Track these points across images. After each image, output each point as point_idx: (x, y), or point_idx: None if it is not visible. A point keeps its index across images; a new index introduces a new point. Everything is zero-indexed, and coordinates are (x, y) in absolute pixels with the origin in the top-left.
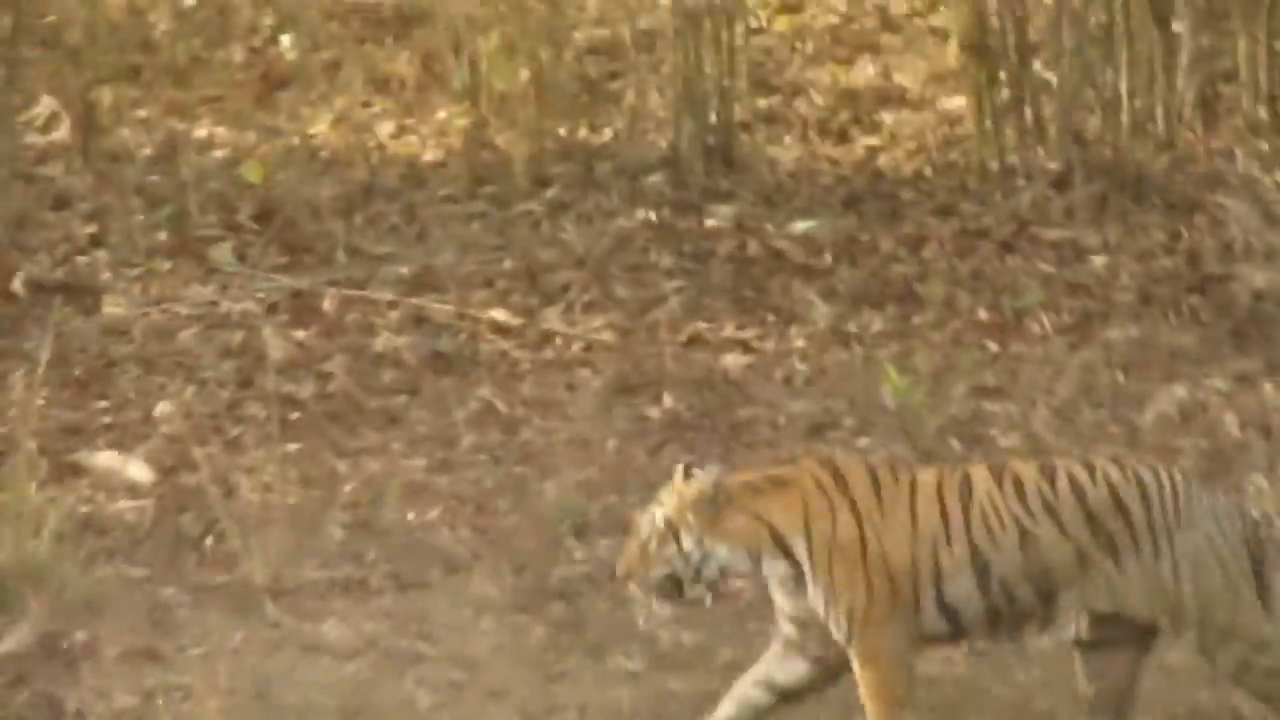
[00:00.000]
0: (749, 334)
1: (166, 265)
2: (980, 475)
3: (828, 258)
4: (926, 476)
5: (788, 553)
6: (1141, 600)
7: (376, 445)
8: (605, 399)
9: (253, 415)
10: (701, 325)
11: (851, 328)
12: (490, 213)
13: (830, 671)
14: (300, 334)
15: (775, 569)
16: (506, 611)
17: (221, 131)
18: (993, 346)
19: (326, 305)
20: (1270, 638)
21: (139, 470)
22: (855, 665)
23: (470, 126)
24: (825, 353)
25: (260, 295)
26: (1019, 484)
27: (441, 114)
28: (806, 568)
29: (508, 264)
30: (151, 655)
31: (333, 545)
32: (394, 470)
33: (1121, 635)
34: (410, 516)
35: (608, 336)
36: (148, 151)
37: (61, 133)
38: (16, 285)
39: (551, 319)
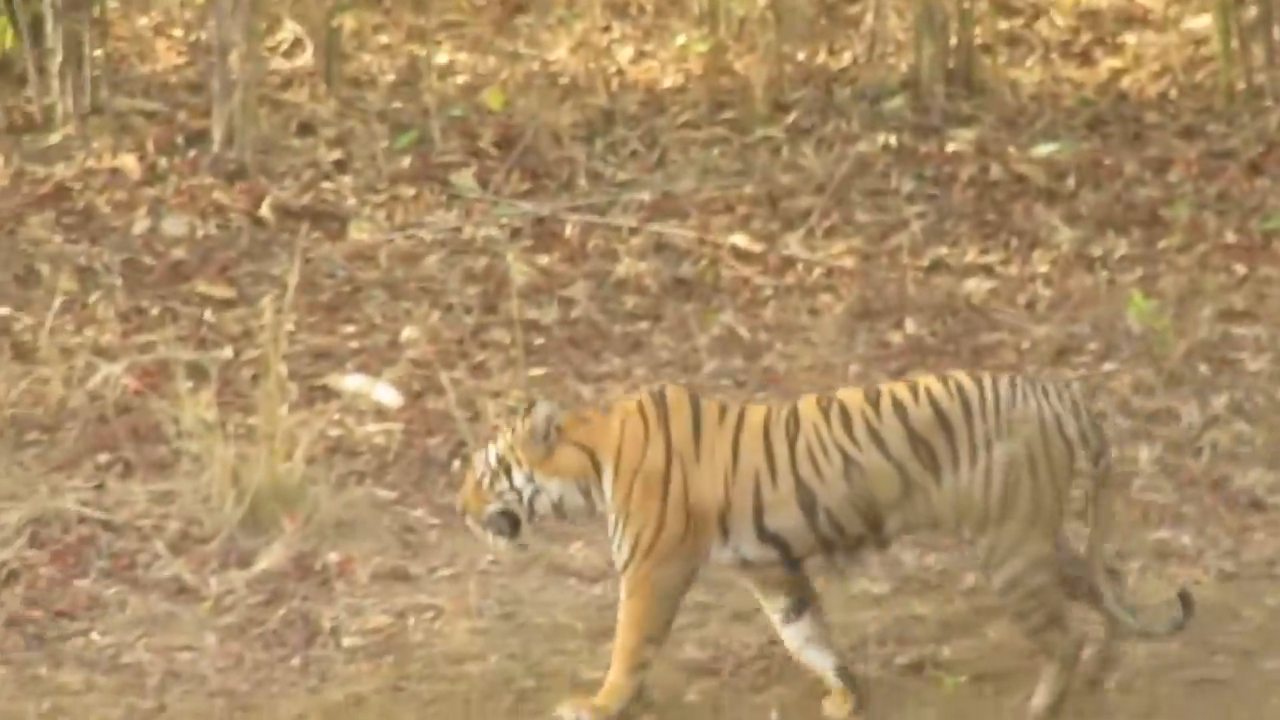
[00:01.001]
0: (991, 258)
1: (410, 191)
2: (808, 408)
3: (1070, 181)
4: (755, 413)
5: (604, 477)
6: (950, 511)
7: (619, 370)
8: (847, 324)
9: (497, 340)
10: (943, 250)
11: (1095, 252)
12: (730, 138)
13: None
14: (543, 259)
15: (605, 502)
16: None
17: (462, 57)
18: (1240, 269)
19: (568, 231)
20: (1047, 558)
21: (387, 394)
22: (622, 591)
23: (709, 52)
24: (1069, 277)
25: (503, 221)
26: (845, 412)
27: (680, 39)
28: (608, 487)
29: (748, 189)
30: (402, 576)
31: None
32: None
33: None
34: None
35: (849, 262)
36: (390, 77)
37: (305, 59)
38: (265, 210)
39: (792, 244)
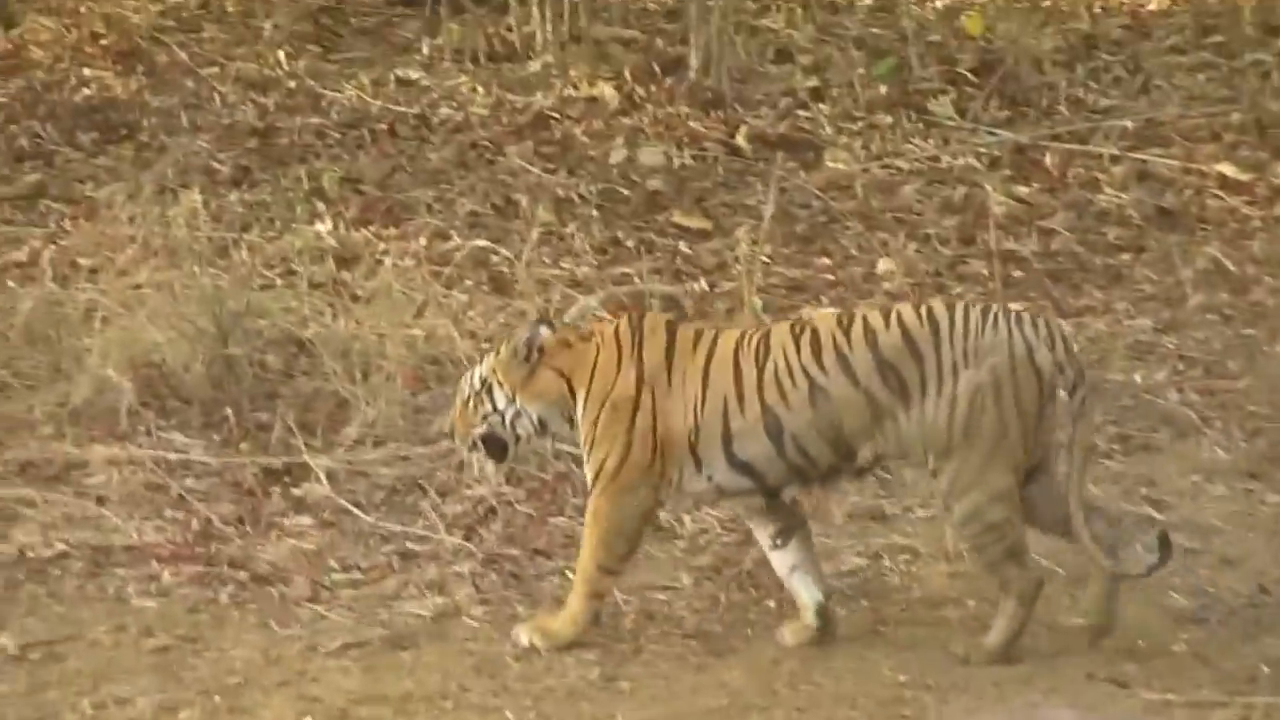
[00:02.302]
0: None
1: (887, 119)
2: (780, 332)
3: None
4: (727, 338)
5: (577, 400)
6: (917, 439)
7: (1100, 303)
8: None
9: (975, 272)
10: None
11: None
12: (1217, 63)
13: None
14: (1022, 190)
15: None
16: (1237, 477)
17: None
18: None
19: (1048, 160)
20: (1007, 491)
21: None
22: (587, 517)
23: None
24: None
25: (981, 150)
26: (815, 338)
27: None
28: (579, 415)
29: (1235, 116)
30: (878, 516)
31: None
32: (1118, 330)
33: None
34: (1137, 377)
35: None
36: (867, 2)
37: None
38: (740, 139)
39: None
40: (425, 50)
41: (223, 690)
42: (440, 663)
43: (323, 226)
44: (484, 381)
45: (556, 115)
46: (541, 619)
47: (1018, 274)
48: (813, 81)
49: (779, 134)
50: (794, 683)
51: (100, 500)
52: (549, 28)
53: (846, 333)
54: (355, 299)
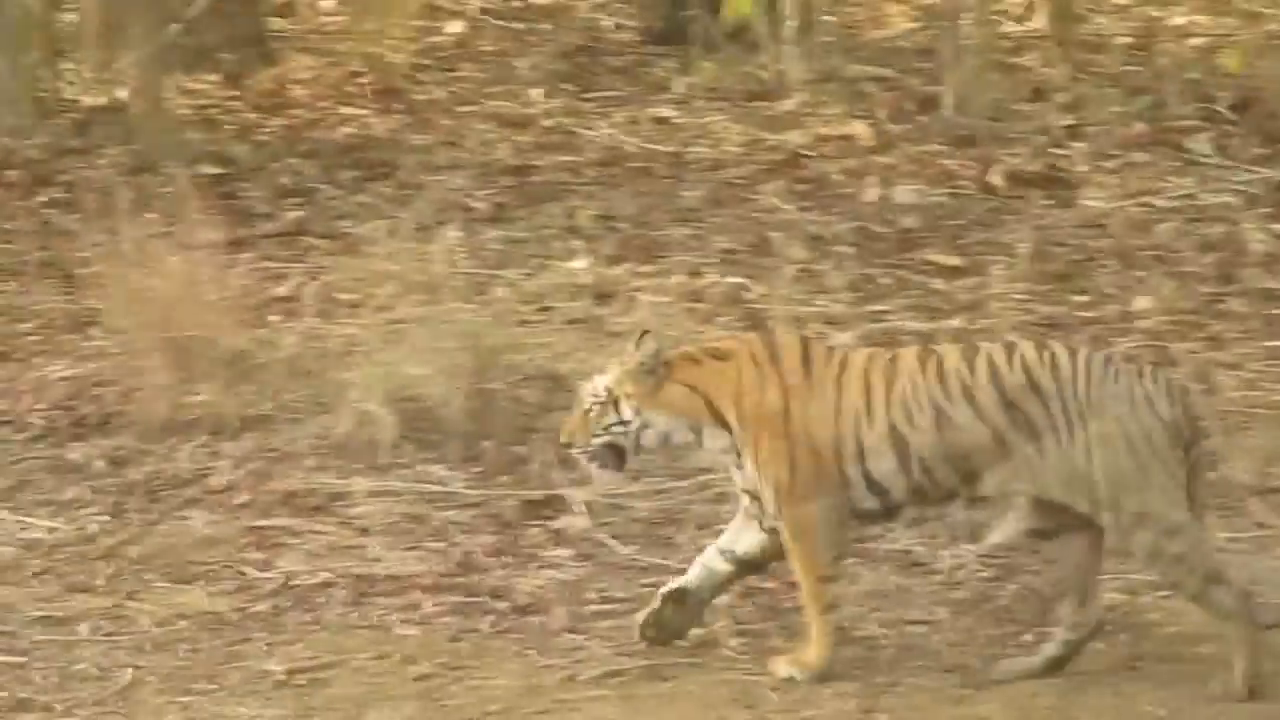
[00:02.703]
0: None
1: (1143, 157)
2: (907, 357)
3: None
4: (858, 356)
5: (725, 425)
6: (1058, 483)
7: None
8: None
9: (1234, 311)
10: None
11: None
12: None
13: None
14: None
15: (716, 441)
16: None
17: (1200, 19)
18: None
19: None
20: (1180, 524)
21: None
22: (785, 538)
23: None
24: None
25: (1239, 188)
26: (940, 366)
27: None
28: (738, 440)
29: None
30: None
31: None
32: None
33: (1070, 520)
34: None
35: None
36: (1124, 40)
37: (1037, 22)
38: (995, 177)
39: None
40: (679, 89)
41: (483, 717)
42: (699, 693)
43: (579, 263)
44: (609, 392)
45: (810, 153)
46: (798, 652)
47: (1277, 312)
48: (1069, 120)
49: (1034, 172)
50: (1051, 717)
51: (363, 531)
52: (802, 66)
53: (970, 365)
54: (611, 334)
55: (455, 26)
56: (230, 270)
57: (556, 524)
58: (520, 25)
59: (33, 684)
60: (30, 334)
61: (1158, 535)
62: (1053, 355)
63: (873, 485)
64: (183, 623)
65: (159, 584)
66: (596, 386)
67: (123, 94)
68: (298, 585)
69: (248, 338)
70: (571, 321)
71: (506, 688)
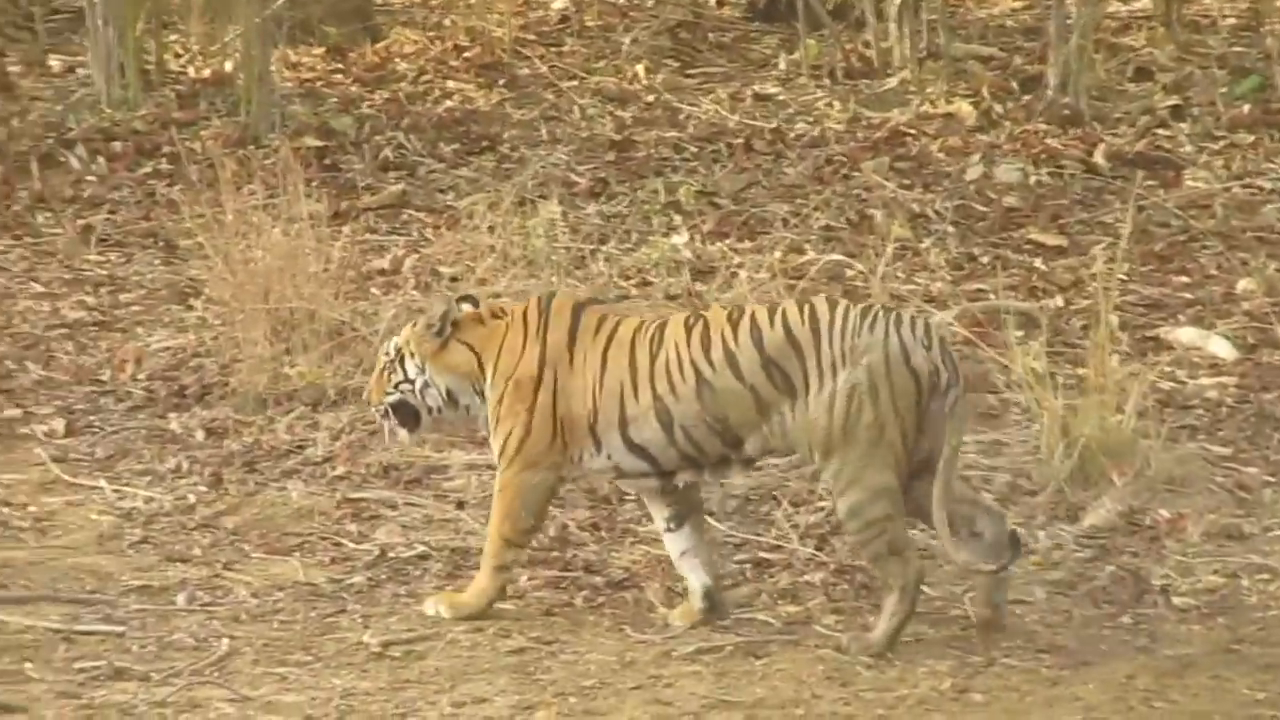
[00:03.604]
0: None
1: (1248, 138)
2: (675, 324)
3: None
4: (627, 326)
5: (485, 376)
6: (801, 435)
7: None
8: None
9: None
10: None
11: None
12: None
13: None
14: None
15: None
16: None
17: None
18: None
19: None
20: (888, 488)
21: (1221, 347)
22: (495, 491)
23: None
24: None
25: None
26: (706, 332)
27: None
28: (487, 390)
29: None
30: (1235, 534)
31: None
32: None
33: None
34: None
35: None
36: (1230, 21)
37: (1145, 2)
38: (1098, 157)
39: None
40: (783, 66)
41: (577, 692)
42: (792, 670)
43: (679, 239)
44: (398, 351)
45: (912, 131)
46: (449, 592)
47: None
48: (1173, 100)
49: (1137, 152)
50: (1149, 699)
51: (459, 504)
52: (907, 44)
53: (735, 328)
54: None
55: (559, 2)
56: (332, 242)
57: None
58: (623, 1)
59: (130, 653)
60: (132, 304)
61: (865, 495)
62: (812, 310)
63: (637, 450)
64: (279, 594)
65: (256, 555)
66: (388, 346)
67: (228, 66)
68: (393, 558)
69: (348, 310)
70: (671, 297)
71: (600, 662)
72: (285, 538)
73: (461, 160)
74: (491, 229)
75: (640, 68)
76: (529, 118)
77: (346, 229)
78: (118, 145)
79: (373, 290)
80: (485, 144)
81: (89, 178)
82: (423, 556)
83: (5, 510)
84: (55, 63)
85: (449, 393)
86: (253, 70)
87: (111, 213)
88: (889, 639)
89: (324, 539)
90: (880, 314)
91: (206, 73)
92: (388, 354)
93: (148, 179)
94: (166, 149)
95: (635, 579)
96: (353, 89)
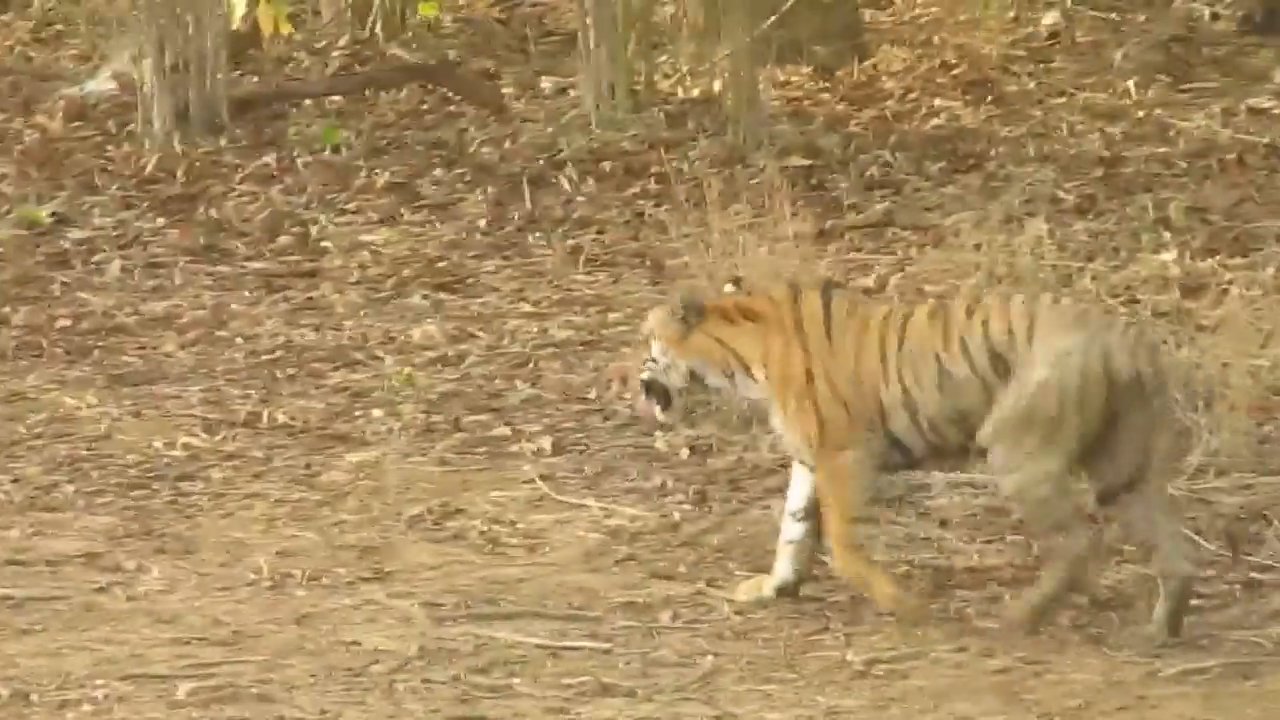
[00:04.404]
0: None
1: None
2: (920, 314)
3: None
4: (876, 314)
5: (756, 380)
6: (1007, 413)
7: None
8: None
9: None
10: None
11: None
12: None
13: None
14: None
15: (750, 391)
16: None
17: None
18: None
19: None
20: (1050, 474)
21: None
22: (818, 484)
23: None
24: None
25: None
26: (946, 322)
27: None
28: (770, 399)
29: None
30: None
31: None
32: None
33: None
34: None
35: None
36: None
37: None
38: None
39: None
40: (1278, 79)
41: (1062, 713)
42: None
43: (1168, 256)
44: (648, 333)
45: None
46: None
47: None
48: None
49: None
50: None
51: (943, 523)
52: None
53: (968, 320)
54: (1200, 328)
55: (1050, 18)
56: (817, 261)
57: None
58: (1115, 16)
59: (616, 670)
60: (620, 324)
61: (1031, 478)
62: (1032, 305)
63: (894, 442)
64: (762, 611)
65: (740, 572)
66: (644, 327)
67: (717, 86)
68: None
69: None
70: (1159, 314)
71: (1086, 683)
72: (769, 555)
73: (947, 178)
74: (977, 247)
75: (1131, 83)
76: (1016, 135)
77: (831, 248)
78: (606, 166)
79: None
80: (972, 162)
81: (579, 198)
82: (906, 575)
83: (496, 528)
84: (547, 84)
85: (692, 372)
86: (741, 90)
87: (600, 233)
88: (1043, 607)
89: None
90: (1094, 315)
91: (695, 93)
92: (642, 334)
93: (635, 199)
94: (655, 169)
95: (1121, 598)
96: (839, 107)
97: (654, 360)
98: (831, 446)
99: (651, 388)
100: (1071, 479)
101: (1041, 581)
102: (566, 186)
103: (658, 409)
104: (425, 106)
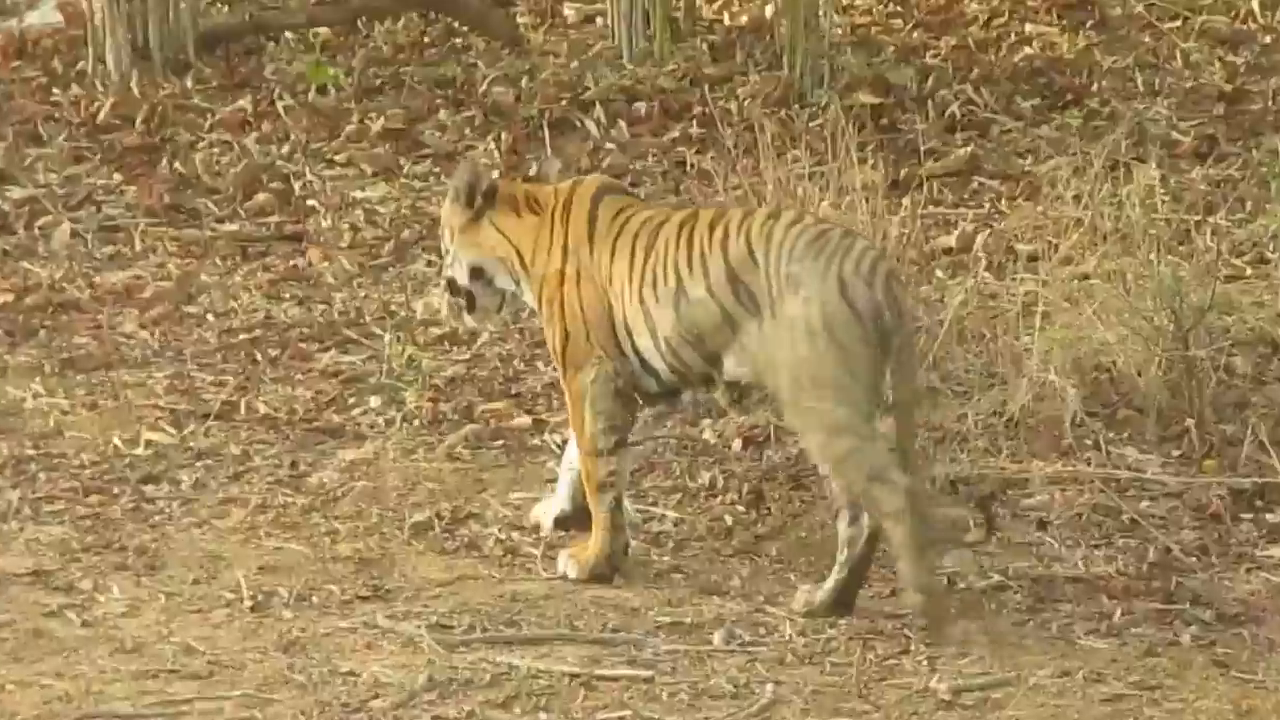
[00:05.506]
0: None
1: None
2: (672, 222)
3: None
4: (638, 220)
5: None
6: (766, 366)
7: None
8: None
9: None
10: None
11: None
12: None
13: None
14: None
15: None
16: None
17: None
18: None
19: None
20: (841, 425)
21: None
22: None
23: None
24: None
25: None
26: (690, 233)
27: None
28: (525, 285)
29: None
30: None
31: None
32: None
33: None
34: None
35: None
36: None
37: None
38: None
39: None
40: None
41: None
42: None
43: None
44: (441, 221)
45: None
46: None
47: None
48: None
49: None
50: None
51: (1042, 524)
52: None
53: (710, 233)
54: None
55: None
56: (889, 216)
57: (1272, 517)
58: None
59: (660, 701)
60: None
61: (824, 435)
62: (771, 223)
63: (644, 365)
64: (830, 631)
65: (803, 585)
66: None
67: (769, 12)
68: (963, 588)
69: (909, 295)
70: None
71: (1213, 711)
72: (829, 567)
73: (1042, 117)
74: (1077, 198)
75: (1255, 3)
76: (1122, 65)
77: (906, 200)
78: (641, 107)
79: (937, 273)
80: (1070, 98)
81: (608, 145)
82: (999, 587)
83: (515, 536)
84: (570, 12)
85: (474, 268)
86: (798, 16)
87: (634, 184)
88: (916, 568)
89: (881, 566)
90: (833, 240)
91: (744, 20)
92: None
93: (675, 145)
94: (697, 110)
95: (1253, 612)
96: (914, 35)
97: (446, 251)
98: (571, 364)
99: (453, 286)
100: (872, 424)
101: (895, 552)
102: (594, 131)
103: (465, 313)
104: (427, 39)
